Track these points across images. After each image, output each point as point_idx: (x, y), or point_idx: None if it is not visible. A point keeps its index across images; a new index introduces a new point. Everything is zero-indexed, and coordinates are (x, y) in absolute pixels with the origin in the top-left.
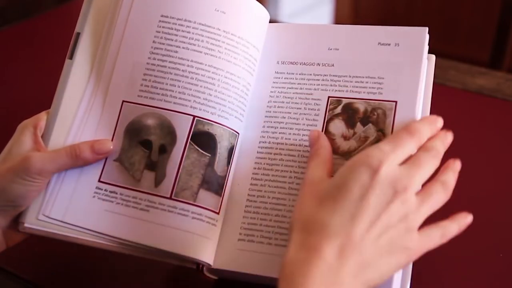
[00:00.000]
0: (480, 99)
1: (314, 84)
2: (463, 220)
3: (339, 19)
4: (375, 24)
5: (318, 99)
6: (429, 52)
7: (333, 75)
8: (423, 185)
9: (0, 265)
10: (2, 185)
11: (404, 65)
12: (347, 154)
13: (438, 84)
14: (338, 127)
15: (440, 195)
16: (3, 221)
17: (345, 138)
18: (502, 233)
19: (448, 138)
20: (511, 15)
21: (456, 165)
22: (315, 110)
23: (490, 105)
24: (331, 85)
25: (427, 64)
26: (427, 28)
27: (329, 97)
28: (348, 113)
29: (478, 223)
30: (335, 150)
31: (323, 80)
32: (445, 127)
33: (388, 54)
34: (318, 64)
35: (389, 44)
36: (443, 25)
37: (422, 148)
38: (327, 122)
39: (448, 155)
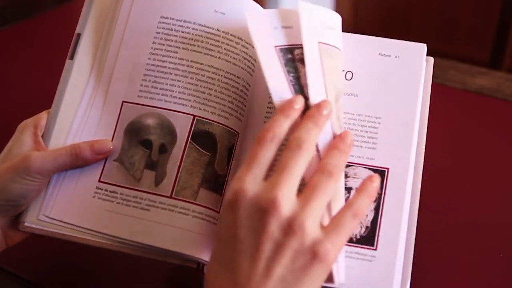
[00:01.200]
0: (480, 99)
1: None
2: (369, 186)
3: None
4: (375, 26)
5: None
6: (429, 52)
7: None
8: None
9: (0, 265)
10: (2, 184)
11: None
12: None
13: (438, 84)
14: None
15: (325, 183)
16: (3, 220)
17: None
18: (502, 233)
19: (319, 117)
20: (511, 15)
21: (343, 144)
22: None
23: (490, 105)
24: None
25: (426, 66)
26: (425, 45)
27: None
28: None
29: (478, 223)
30: None
31: None
32: (445, 127)
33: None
34: None
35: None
36: (443, 25)
37: (285, 147)
38: None
39: (449, 155)
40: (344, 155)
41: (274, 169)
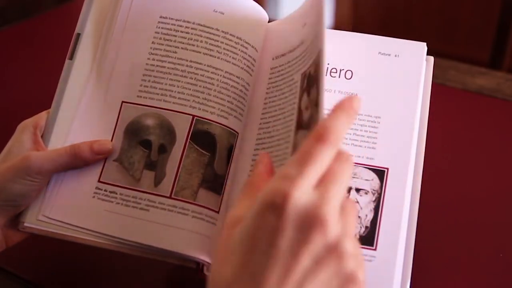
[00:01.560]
0: (480, 99)
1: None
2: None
3: (338, 19)
4: (375, 25)
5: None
6: (429, 52)
7: None
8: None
9: (0, 265)
10: (2, 185)
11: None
12: (307, 125)
13: (438, 84)
14: (304, 100)
15: (344, 170)
16: (3, 220)
17: (306, 108)
18: (502, 233)
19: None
20: (511, 15)
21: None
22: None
23: (490, 105)
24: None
25: (426, 65)
26: (425, 44)
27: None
28: (309, 82)
29: (478, 223)
30: (301, 123)
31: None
32: (445, 127)
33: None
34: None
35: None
36: (443, 25)
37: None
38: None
39: (449, 155)
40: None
41: (325, 178)
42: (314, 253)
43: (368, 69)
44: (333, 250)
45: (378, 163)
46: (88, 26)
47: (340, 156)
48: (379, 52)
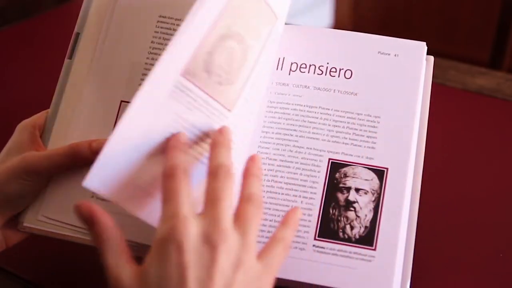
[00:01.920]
0: (480, 99)
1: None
2: (293, 218)
3: (339, 19)
4: (375, 25)
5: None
6: (429, 52)
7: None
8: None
9: (0, 265)
10: (1, 185)
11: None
12: None
13: (438, 84)
14: None
15: (255, 214)
16: (3, 220)
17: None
18: (502, 233)
19: (224, 138)
20: (511, 15)
21: (255, 168)
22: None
23: (490, 105)
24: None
25: (426, 65)
26: (424, 43)
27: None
28: None
29: (478, 223)
30: None
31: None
32: (445, 127)
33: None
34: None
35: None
36: (443, 25)
37: (209, 177)
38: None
39: (449, 155)
40: (260, 180)
41: (208, 201)
42: (224, 274)
43: (368, 69)
44: (239, 264)
45: (377, 163)
46: (87, 25)
47: (214, 173)
48: (379, 52)
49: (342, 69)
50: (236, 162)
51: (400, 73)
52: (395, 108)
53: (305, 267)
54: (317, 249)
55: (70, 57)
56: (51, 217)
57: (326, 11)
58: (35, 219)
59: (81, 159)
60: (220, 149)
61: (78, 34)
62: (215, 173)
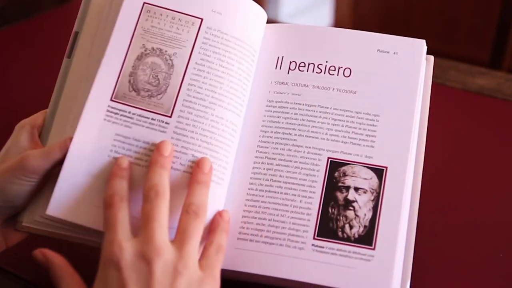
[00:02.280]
0: (480, 99)
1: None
2: (221, 222)
3: (339, 19)
4: (375, 25)
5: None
6: (429, 52)
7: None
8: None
9: (0, 265)
10: (0, 185)
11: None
12: None
13: (438, 84)
14: None
15: (195, 225)
16: (2, 220)
17: None
18: (502, 233)
19: (163, 161)
20: (511, 15)
21: (201, 174)
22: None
23: (490, 105)
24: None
25: (426, 65)
26: (424, 41)
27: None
28: None
29: (478, 223)
30: None
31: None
32: (445, 127)
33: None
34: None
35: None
36: (443, 25)
37: (143, 199)
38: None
39: (449, 155)
40: (206, 187)
41: (141, 222)
42: (162, 284)
43: (367, 67)
44: (176, 273)
45: (376, 162)
46: (86, 24)
47: (147, 196)
48: (378, 50)
49: (341, 67)
50: (197, 151)
51: (400, 71)
52: (394, 107)
53: (304, 266)
54: (316, 248)
55: (69, 56)
56: (50, 216)
57: (326, 11)
58: (33, 219)
59: None
60: (154, 168)
61: (77, 33)
62: (147, 195)
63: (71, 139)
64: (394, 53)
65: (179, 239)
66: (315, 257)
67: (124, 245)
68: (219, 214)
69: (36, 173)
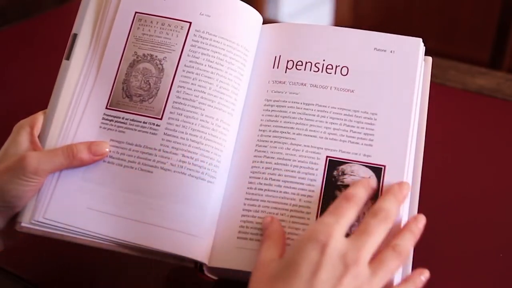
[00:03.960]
0: (480, 99)
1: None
2: (419, 279)
3: (339, 19)
4: (375, 25)
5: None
6: (429, 52)
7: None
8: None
9: (0, 265)
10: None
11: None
12: None
13: (438, 84)
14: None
15: (393, 262)
16: (1, 220)
17: None
18: (502, 233)
19: (399, 195)
20: (511, 15)
21: (414, 226)
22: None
23: (490, 105)
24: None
25: (424, 66)
26: (421, 39)
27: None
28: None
29: (478, 223)
30: None
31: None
32: (445, 127)
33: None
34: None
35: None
36: (443, 25)
37: (369, 213)
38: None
39: (448, 155)
40: (414, 238)
41: (360, 231)
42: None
43: (364, 66)
44: None
45: (375, 160)
46: (84, 26)
47: (375, 212)
48: (375, 48)
49: (339, 66)
50: (187, 151)
51: (397, 69)
52: (392, 105)
53: None
54: None
55: (68, 58)
56: (49, 217)
57: (326, 11)
58: (32, 219)
59: (79, 161)
60: (391, 197)
61: (75, 35)
62: (376, 212)
63: (75, 146)
64: (391, 51)
65: (376, 266)
66: None
67: (338, 236)
68: (414, 218)
69: (35, 174)
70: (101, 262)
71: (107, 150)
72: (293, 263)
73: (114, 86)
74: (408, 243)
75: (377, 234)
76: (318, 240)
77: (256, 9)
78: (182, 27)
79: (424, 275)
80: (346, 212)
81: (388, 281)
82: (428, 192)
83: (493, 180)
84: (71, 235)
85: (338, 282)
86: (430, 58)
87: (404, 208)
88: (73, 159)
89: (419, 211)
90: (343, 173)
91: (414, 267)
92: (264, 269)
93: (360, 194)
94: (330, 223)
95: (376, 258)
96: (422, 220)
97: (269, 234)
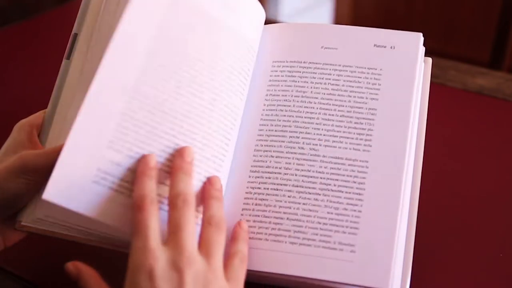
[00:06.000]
0: (480, 99)
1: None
2: (241, 232)
3: (339, 19)
4: (375, 24)
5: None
6: (429, 52)
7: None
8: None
9: (0, 265)
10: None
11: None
12: None
13: (438, 84)
14: None
15: (217, 236)
16: (1, 220)
17: None
18: (502, 233)
19: (185, 167)
20: (511, 15)
21: (213, 190)
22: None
23: (490, 105)
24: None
25: (424, 67)
26: (421, 34)
27: None
28: None
29: (478, 223)
30: None
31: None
32: (446, 127)
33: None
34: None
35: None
36: (443, 25)
37: (169, 206)
38: None
39: (448, 155)
40: (219, 201)
41: (170, 230)
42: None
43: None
44: (206, 283)
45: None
46: (85, 25)
47: (173, 202)
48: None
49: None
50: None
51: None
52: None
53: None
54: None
55: (68, 58)
56: (49, 215)
57: (326, 12)
58: (32, 218)
59: None
60: (179, 175)
61: (76, 35)
62: (174, 203)
63: None
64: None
65: (205, 250)
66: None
67: (157, 253)
68: (238, 224)
69: (36, 173)
70: (101, 262)
71: None
72: None
73: None
74: (218, 210)
75: (186, 222)
76: (141, 272)
77: None
78: None
79: (242, 226)
80: (145, 224)
81: (226, 254)
82: (428, 192)
83: (493, 180)
84: (71, 233)
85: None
86: (430, 59)
87: (404, 208)
88: None
89: (419, 210)
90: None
91: (414, 267)
92: None
93: (146, 191)
94: (139, 248)
95: (201, 243)
96: (217, 181)
97: (89, 283)
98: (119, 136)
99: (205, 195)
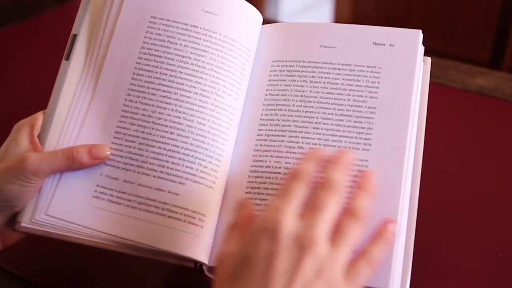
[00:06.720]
0: (480, 99)
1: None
2: (386, 236)
3: (339, 19)
4: (375, 24)
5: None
6: (429, 52)
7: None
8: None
9: (0, 265)
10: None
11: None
12: None
13: (438, 84)
14: None
15: (352, 228)
16: (0, 220)
17: None
18: (502, 233)
19: (344, 160)
20: (511, 15)
21: (367, 182)
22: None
23: (490, 105)
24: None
25: (423, 67)
26: (420, 31)
27: None
28: None
29: (478, 223)
30: None
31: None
32: (446, 127)
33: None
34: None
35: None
36: (443, 25)
37: (318, 187)
38: None
39: (448, 155)
40: (371, 198)
41: (311, 207)
42: (305, 276)
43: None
44: (321, 272)
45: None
46: (84, 26)
47: (325, 185)
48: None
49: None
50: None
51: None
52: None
53: None
54: None
55: (67, 58)
56: (48, 216)
57: (326, 12)
58: (31, 219)
59: (79, 164)
60: (334, 166)
61: (75, 36)
62: (325, 184)
63: (76, 148)
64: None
65: (336, 239)
66: None
67: (289, 220)
68: (385, 225)
69: (35, 175)
70: (101, 262)
71: (108, 153)
72: (247, 257)
73: None
74: (363, 203)
75: (330, 206)
76: (267, 228)
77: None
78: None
79: (391, 225)
80: (294, 192)
81: (356, 249)
82: (428, 192)
83: (493, 180)
84: (71, 235)
85: (297, 267)
86: (429, 59)
87: (404, 208)
88: (73, 162)
89: (418, 211)
90: None
91: (414, 267)
92: (224, 264)
93: (306, 168)
94: (278, 207)
95: (335, 230)
96: (373, 176)
97: (236, 220)
98: (114, 152)
99: (358, 186)
